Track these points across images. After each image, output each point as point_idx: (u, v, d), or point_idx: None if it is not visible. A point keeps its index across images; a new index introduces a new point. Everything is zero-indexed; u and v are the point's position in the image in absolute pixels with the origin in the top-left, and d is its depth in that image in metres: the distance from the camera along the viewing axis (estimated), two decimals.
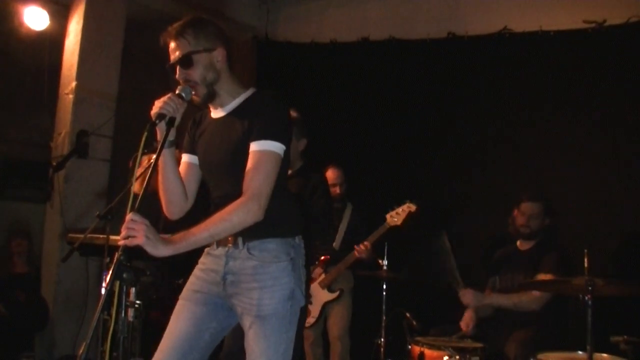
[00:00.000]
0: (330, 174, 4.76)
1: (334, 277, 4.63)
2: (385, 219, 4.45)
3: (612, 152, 4.71)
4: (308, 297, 4.60)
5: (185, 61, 2.26)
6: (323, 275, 4.65)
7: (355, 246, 4.49)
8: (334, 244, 4.75)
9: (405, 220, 4.39)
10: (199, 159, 2.43)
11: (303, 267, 2.36)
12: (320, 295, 4.65)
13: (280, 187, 2.24)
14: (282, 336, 2.21)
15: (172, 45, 2.29)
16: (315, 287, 4.65)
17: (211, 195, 2.38)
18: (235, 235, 2.24)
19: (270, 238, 2.25)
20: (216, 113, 2.39)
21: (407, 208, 4.41)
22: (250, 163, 2.18)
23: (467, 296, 3.93)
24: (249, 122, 2.23)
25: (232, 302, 2.28)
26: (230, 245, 2.27)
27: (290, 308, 2.24)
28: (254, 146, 2.19)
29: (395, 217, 4.42)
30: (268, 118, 2.22)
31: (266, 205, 2.14)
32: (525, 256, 4.00)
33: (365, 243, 4.45)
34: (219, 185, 2.35)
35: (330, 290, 4.65)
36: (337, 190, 4.76)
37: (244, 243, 2.25)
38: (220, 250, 2.31)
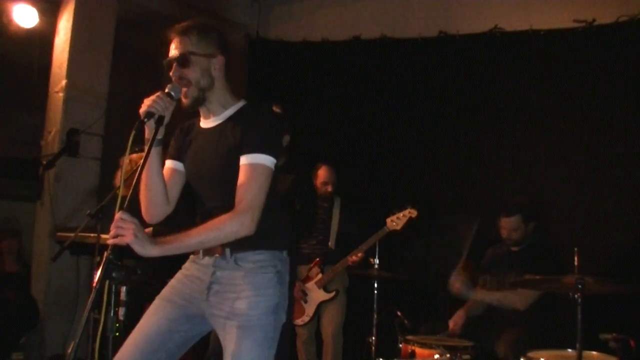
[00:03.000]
0: (323, 173, 4.80)
1: (331, 277, 4.67)
2: (385, 223, 4.45)
3: (603, 151, 4.74)
4: (304, 294, 4.64)
5: (183, 60, 2.26)
6: (320, 275, 4.68)
7: (349, 257, 4.52)
8: (330, 243, 4.78)
9: (405, 225, 4.41)
10: (187, 168, 2.40)
11: (287, 284, 2.33)
12: (317, 295, 4.68)
13: (270, 199, 2.22)
14: (265, 352, 2.18)
15: (175, 42, 2.29)
16: (311, 286, 4.69)
17: (198, 205, 2.37)
18: (223, 246, 2.22)
19: (258, 250, 2.24)
20: (206, 123, 2.37)
21: (408, 213, 4.41)
22: (242, 176, 2.17)
23: (457, 283, 3.96)
24: (241, 134, 2.22)
25: (214, 312, 2.24)
26: (217, 255, 2.26)
27: (273, 322, 2.21)
28: (246, 159, 2.18)
29: (396, 221, 4.42)
30: (260, 131, 2.22)
31: (258, 219, 2.13)
32: (517, 256, 4.02)
33: (359, 254, 4.48)
34: (207, 196, 2.33)
35: (327, 291, 4.68)
36: (329, 188, 4.79)
37: (231, 254, 2.24)
38: (207, 260, 2.29)
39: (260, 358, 2.17)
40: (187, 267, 2.38)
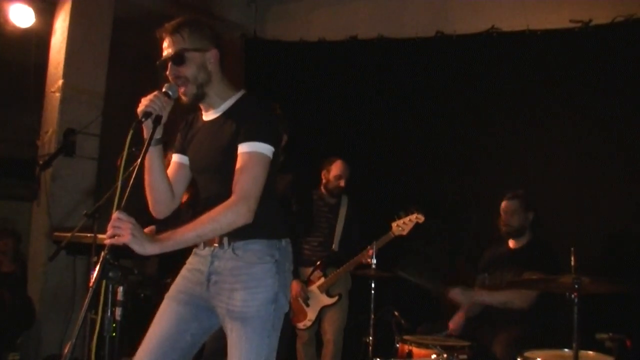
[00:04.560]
0: (337, 166, 4.71)
1: (334, 281, 4.59)
2: (390, 227, 4.38)
3: (599, 150, 4.75)
4: (307, 298, 4.61)
5: (178, 58, 2.26)
6: (322, 279, 4.62)
7: (365, 252, 4.37)
8: (333, 246, 4.71)
9: (411, 231, 4.35)
10: (190, 160, 2.43)
11: (289, 272, 2.35)
12: (319, 299, 4.61)
13: (268, 189, 2.24)
14: (265, 340, 2.19)
15: (167, 41, 2.29)
16: (314, 290, 4.62)
17: (200, 196, 2.39)
18: (221, 236, 2.24)
19: (255, 239, 2.25)
20: (207, 115, 2.39)
21: (414, 219, 4.34)
22: (239, 165, 2.18)
23: (456, 295, 3.97)
24: (238, 124, 2.23)
25: (215, 303, 2.27)
26: (216, 245, 2.27)
27: (273, 312, 2.22)
28: (243, 148, 2.19)
29: (402, 226, 4.35)
30: (256, 120, 2.23)
31: (255, 208, 2.14)
32: (516, 255, 4.03)
33: (370, 251, 4.31)
34: (208, 186, 2.35)
35: (329, 295, 4.61)
36: (342, 183, 4.69)
37: (229, 243, 2.25)
38: (207, 250, 2.31)
39: (261, 347, 2.18)
40: (190, 260, 2.40)
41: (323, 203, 4.77)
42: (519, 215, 4.02)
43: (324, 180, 4.77)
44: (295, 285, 4.42)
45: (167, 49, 2.29)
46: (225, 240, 2.25)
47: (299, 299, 4.54)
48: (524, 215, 4.03)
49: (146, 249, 2.00)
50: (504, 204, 4.08)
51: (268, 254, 2.26)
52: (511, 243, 4.12)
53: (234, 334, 2.19)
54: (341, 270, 4.55)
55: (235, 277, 2.23)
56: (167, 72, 2.29)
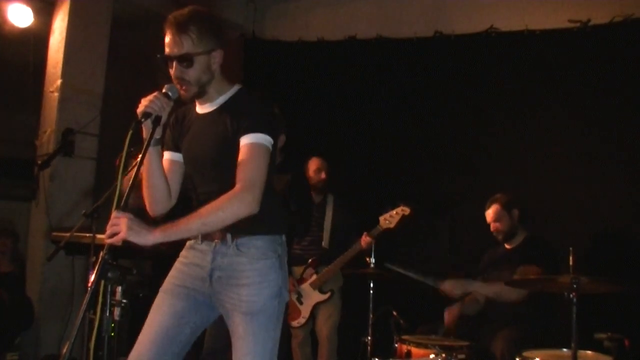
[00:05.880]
0: (314, 161, 4.75)
1: (326, 278, 4.62)
2: (378, 222, 4.40)
3: (597, 150, 4.75)
4: (300, 296, 4.64)
5: (186, 61, 2.22)
6: (314, 276, 4.65)
7: (363, 237, 4.41)
8: (323, 243, 4.74)
9: (398, 223, 4.37)
10: (184, 155, 2.41)
11: (287, 265, 2.38)
12: (312, 296, 4.65)
13: (267, 184, 2.24)
14: (270, 334, 2.22)
15: (174, 38, 2.22)
16: (306, 287, 4.66)
17: (195, 191, 2.38)
18: (224, 231, 2.23)
19: (258, 235, 2.26)
20: (202, 109, 2.38)
21: (401, 211, 4.35)
22: (242, 156, 2.18)
23: (447, 287, 3.99)
24: (237, 119, 2.23)
25: (219, 298, 2.27)
26: (217, 240, 2.27)
27: (277, 305, 2.26)
28: (245, 139, 2.20)
29: (389, 219, 4.37)
30: (256, 114, 2.25)
31: (260, 198, 2.14)
32: (512, 255, 4.05)
33: (368, 239, 4.37)
34: (204, 181, 2.34)
35: (322, 292, 4.65)
36: (323, 175, 4.72)
37: (232, 239, 2.25)
38: (206, 246, 2.30)
39: (266, 340, 2.21)
40: (185, 254, 2.39)
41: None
42: (504, 218, 4.07)
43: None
44: None
45: (173, 46, 2.23)
46: (229, 236, 2.25)
47: (291, 295, 4.56)
48: (508, 216, 4.07)
49: (147, 239, 2.00)
50: (486, 214, 4.12)
51: (271, 249, 2.28)
52: (507, 245, 4.14)
53: (240, 329, 2.21)
54: (333, 267, 4.59)
55: (240, 273, 2.24)
56: (171, 70, 2.26)
